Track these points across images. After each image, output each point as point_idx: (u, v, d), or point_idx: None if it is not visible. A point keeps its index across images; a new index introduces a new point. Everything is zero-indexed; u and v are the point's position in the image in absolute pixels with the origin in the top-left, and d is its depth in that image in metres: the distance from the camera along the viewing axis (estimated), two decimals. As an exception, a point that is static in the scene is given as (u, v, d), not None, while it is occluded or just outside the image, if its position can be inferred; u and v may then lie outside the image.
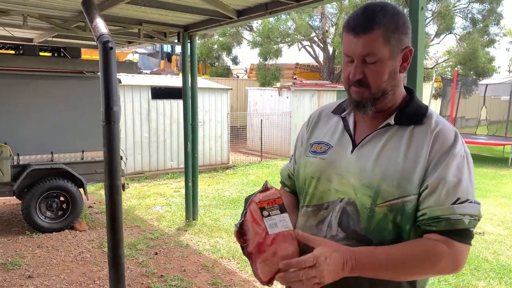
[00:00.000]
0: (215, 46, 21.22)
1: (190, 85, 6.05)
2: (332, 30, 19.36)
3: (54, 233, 5.56)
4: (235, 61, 24.35)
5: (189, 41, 5.99)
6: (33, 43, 6.85)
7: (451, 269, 1.18)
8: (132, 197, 7.70)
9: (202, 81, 11.33)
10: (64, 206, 5.71)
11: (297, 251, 1.17)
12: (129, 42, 7.14)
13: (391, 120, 1.28)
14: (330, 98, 13.49)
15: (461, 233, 1.17)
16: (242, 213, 1.27)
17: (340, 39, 17.24)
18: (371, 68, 1.22)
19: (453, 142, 1.22)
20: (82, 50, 10.70)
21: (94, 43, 8.21)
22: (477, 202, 1.20)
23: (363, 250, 1.17)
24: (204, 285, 4.22)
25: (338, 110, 1.42)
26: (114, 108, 1.63)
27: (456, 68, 15.40)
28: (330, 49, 19.57)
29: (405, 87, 1.35)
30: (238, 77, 22.75)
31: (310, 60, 21.96)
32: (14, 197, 5.78)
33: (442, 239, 1.17)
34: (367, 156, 1.26)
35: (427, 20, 20.39)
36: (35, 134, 5.52)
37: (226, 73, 22.18)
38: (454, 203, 1.17)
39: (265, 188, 1.25)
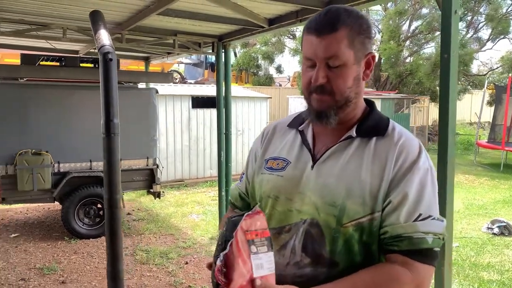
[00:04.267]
0: (258, 55, 21.26)
1: (224, 95, 6.06)
2: (378, 36, 18.93)
3: (91, 239, 5.71)
4: (279, 69, 24.33)
5: (223, 50, 6.01)
6: (76, 55, 7.13)
7: None
8: (170, 205, 7.80)
9: (241, 90, 11.36)
10: (101, 213, 5.86)
11: None
12: (168, 53, 7.28)
13: (353, 132, 1.19)
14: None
15: (424, 253, 1.09)
16: (224, 237, 1.05)
17: (385, 46, 16.99)
18: (335, 72, 1.13)
19: (418, 155, 1.15)
20: (131, 61, 11.11)
21: (136, 54, 8.34)
22: (440, 219, 1.11)
23: (326, 286, 1.08)
24: (230, 297, 4.16)
25: (294, 123, 1.32)
26: (114, 120, 1.63)
27: (510, 75, 14.47)
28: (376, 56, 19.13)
29: (364, 99, 1.25)
30: (280, 85, 22.70)
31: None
32: (57, 203, 6.01)
33: (404, 260, 1.08)
34: (329, 171, 1.16)
35: (480, 25, 19.49)
36: (74, 143, 5.71)
37: (268, 81, 22.19)
38: (416, 219, 1.08)
39: (256, 211, 1.07)
